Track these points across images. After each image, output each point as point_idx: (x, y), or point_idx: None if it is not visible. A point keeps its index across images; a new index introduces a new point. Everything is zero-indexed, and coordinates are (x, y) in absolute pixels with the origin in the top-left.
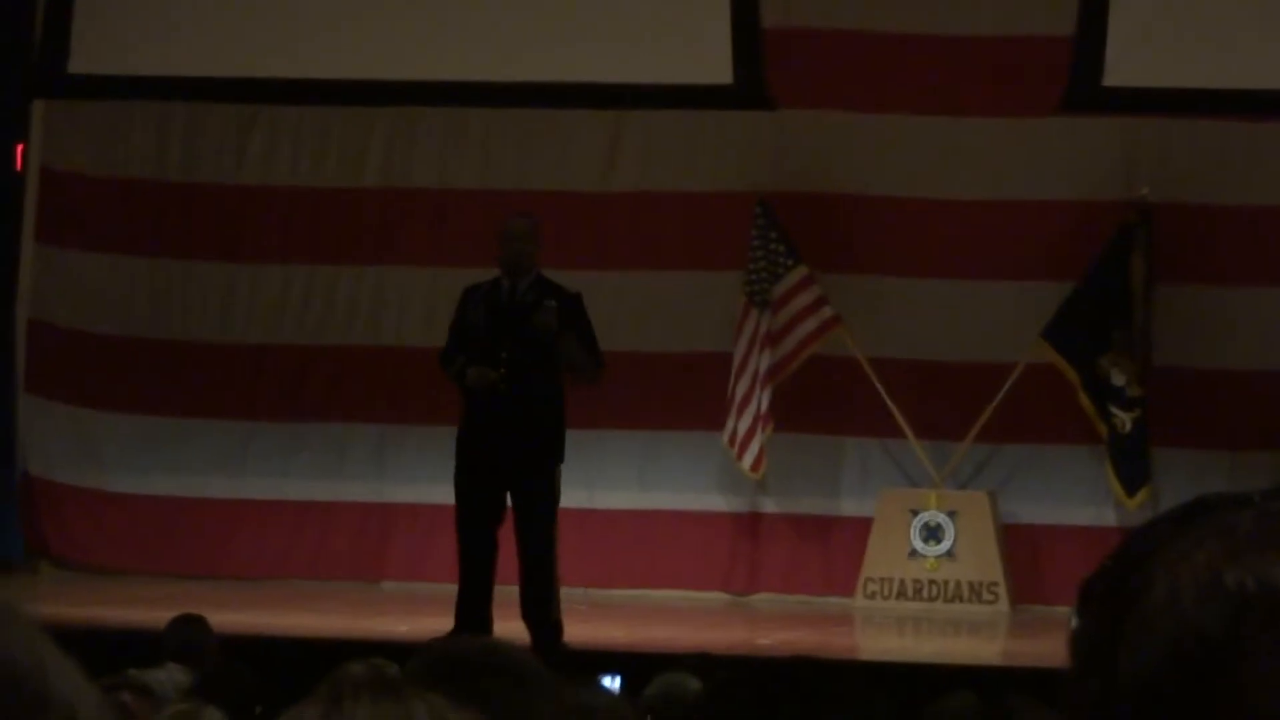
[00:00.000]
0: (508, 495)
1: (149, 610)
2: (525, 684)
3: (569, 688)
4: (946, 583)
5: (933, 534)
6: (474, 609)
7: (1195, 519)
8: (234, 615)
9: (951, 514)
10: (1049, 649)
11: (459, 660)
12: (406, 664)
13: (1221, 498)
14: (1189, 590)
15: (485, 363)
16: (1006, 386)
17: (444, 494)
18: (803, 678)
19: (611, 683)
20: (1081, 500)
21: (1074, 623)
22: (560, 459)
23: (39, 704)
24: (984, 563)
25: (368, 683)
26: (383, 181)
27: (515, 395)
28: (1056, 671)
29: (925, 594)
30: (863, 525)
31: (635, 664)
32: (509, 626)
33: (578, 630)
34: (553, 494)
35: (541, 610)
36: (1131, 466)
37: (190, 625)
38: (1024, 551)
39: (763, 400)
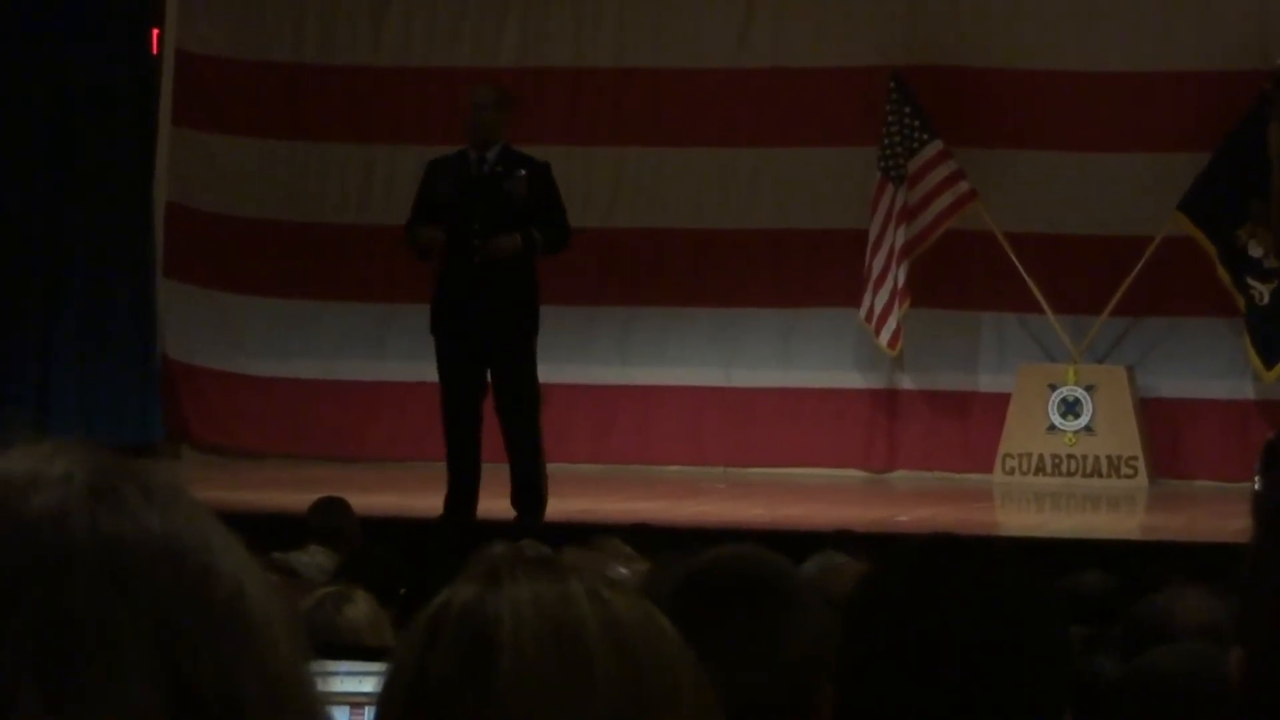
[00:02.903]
0: (488, 370)
1: (290, 493)
2: (785, 598)
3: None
4: (1085, 457)
5: (1071, 408)
6: (462, 491)
7: None
8: (375, 497)
9: (1089, 388)
10: (1188, 523)
11: (713, 577)
12: (652, 577)
13: None
14: None
15: (459, 235)
16: (1143, 259)
17: (580, 373)
18: (968, 555)
19: None
20: (1219, 373)
21: (1258, 484)
22: (535, 331)
23: (205, 580)
24: (1122, 437)
25: (523, 561)
26: (518, 61)
27: (488, 268)
28: (1197, 545)
29: (1064, 469)
30: (1000, 401)
31: (777, 542)
32: (495, 505)
33: (717, 508)
34: (532, 368)
35: (531, 494)
36: (1270, 338)
37: (333, 507)
38: (1162, 425)
39: (899, 276)
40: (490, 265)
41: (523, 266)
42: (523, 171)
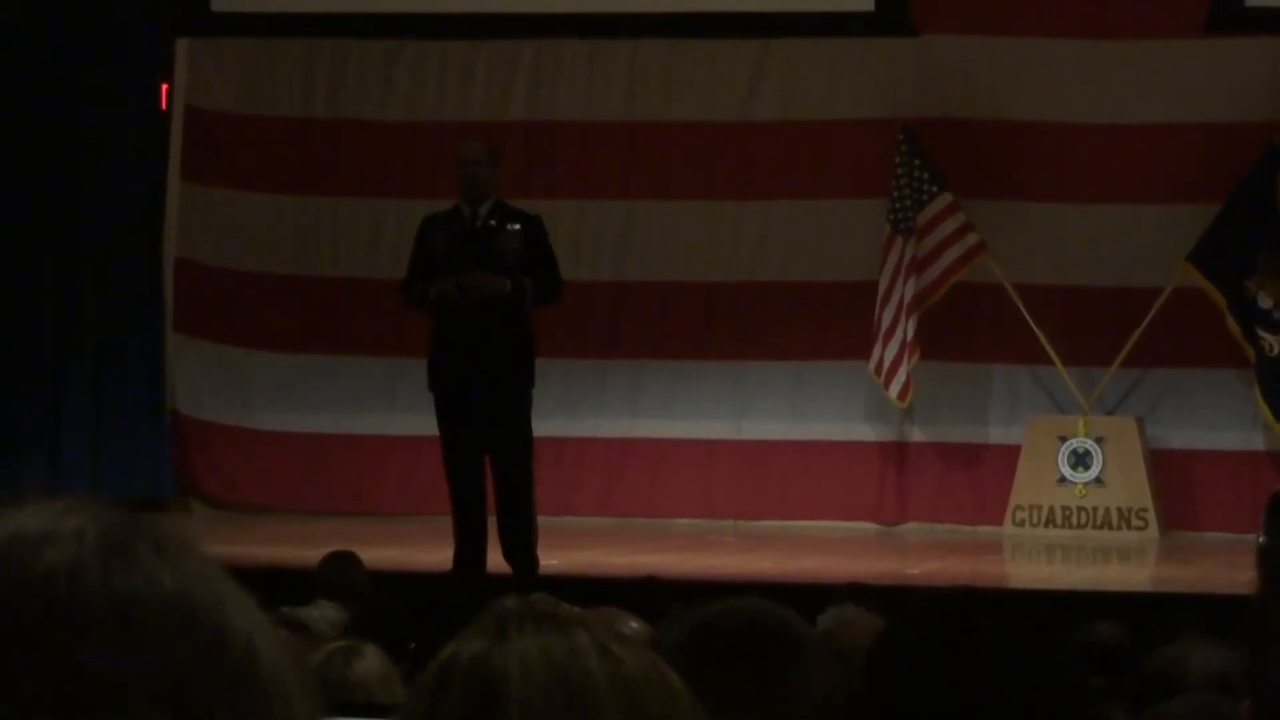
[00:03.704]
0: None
1: (300, 547)
2: (796, 650)
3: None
4: (1095, 509)
5: (1081, 460)
6: (471, 544)
7: None
8: (385, 551)
9: (1100, 440)
10: (1199, 574)
11: (722, 628)
12: (666, 629)
13: None
14: None
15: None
16: (1153, 311)
17: (590, 426)
18: (984, 608)
19: None
20: (1229, 424)
21: (1262, 539)
22: (531, 383)
23: (218, 637)
24: (1133, 488)
25: (531, 615)
26: (528, 115)
27: (482, 322)
28: (1208, 597)
29: (1074, 521)
30: (1011, 453)
31: (788, 596)
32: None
33: (727, 561)
34: (527, 421)
35: (525, 545)
36: (1279, 389)
37: (343, 562)
38: (1173, 477)
39: (909, 328)
40: (485, 319)
41: (517, 319)
42: (516, 226)
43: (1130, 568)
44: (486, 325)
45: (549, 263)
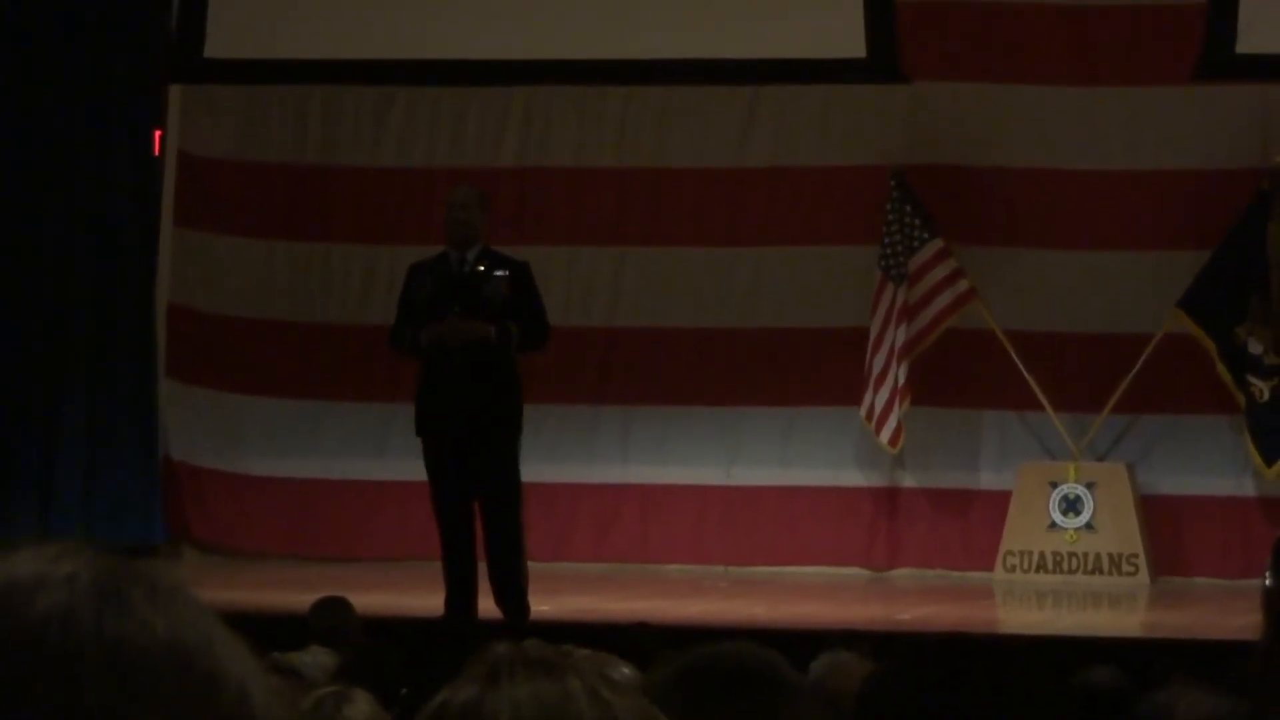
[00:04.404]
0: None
1: (292, 593)
2: (783, 693)
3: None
4: (1086, 555)
5: (1072, 506)
6: (462, 590)
7: None
8: (377, 597)
9: (1090, 486)
10: (1190, 620)
11: (710, 670)
12: (652, 672)
13: None
14: None
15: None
16: (1143, 357)
17: (582, 472)
18: (980, 653)
19: None
20: (1220, 470)
21: (1269, 582)
22: (519, 430)
23: (211, 683)
24: (1123, 534)
25: (523, 661)
26: (519, 161)
27: (469, 368)
28: (1198, 643)
29: (1065, 567)
30: (1001, 499)
31: (780, 642)
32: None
33: (719, 607)
34: (515, 467)
35: (516, 591)
36: (1270, 435)
37: (334, 607)
38: (1163, 523)
39: (900, 374)
40: (472, 365)
41: (504, 365)
42: (504, 272)
43: (1121, 613)
44: (473, 371)
45: (536, 308)
